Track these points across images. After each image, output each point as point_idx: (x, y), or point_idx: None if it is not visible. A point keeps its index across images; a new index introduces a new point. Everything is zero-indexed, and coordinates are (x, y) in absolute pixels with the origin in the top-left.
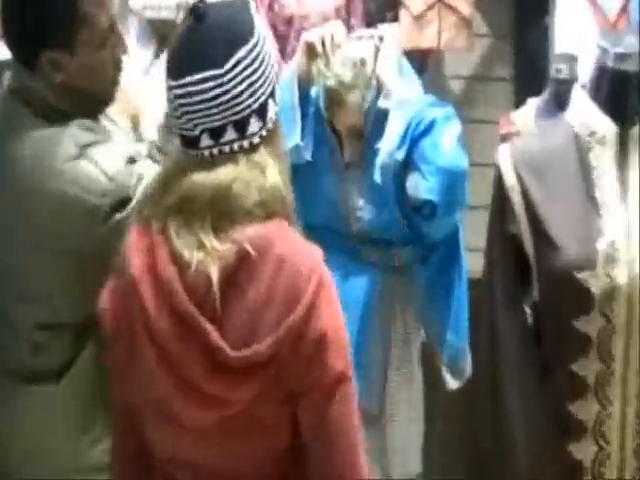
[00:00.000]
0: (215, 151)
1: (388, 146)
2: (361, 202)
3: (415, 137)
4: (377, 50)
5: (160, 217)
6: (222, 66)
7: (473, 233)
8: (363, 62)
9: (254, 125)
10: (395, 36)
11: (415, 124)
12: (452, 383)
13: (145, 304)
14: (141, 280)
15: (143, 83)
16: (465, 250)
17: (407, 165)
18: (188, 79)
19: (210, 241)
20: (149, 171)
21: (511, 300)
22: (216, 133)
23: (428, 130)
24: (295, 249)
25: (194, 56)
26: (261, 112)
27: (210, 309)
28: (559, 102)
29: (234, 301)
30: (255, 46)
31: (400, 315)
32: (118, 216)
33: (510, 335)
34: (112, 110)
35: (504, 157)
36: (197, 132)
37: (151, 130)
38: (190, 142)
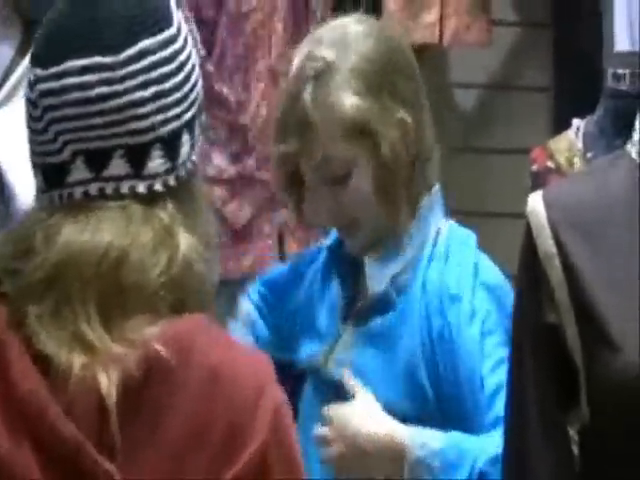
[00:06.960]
0: (93, 190)
1: None
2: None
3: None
4: None
5: (13, 301)
6: (118, 52)
7: None
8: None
9: (157, 161)
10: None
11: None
12: None
13: None
14: None
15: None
16: None
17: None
18: (63, 67)
19: (100, 337)
20: None
21: (549, 424)
22: (97, 159)
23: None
24: (232, 356)
25: (77, 36)
26: (171, 144)
27: (100, 448)
28: (619, 125)
29: (141, 436)
30: (171, 43)
31: None
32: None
33: (548, 476)
34: None
35: (537, 211)
36: (67, 155)
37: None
38: (54, 174)
